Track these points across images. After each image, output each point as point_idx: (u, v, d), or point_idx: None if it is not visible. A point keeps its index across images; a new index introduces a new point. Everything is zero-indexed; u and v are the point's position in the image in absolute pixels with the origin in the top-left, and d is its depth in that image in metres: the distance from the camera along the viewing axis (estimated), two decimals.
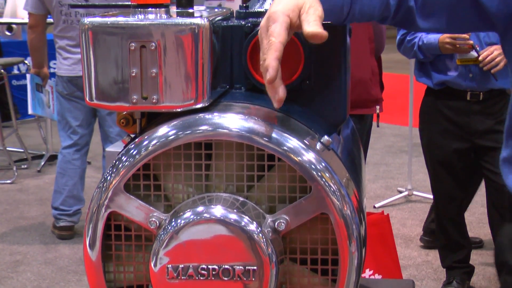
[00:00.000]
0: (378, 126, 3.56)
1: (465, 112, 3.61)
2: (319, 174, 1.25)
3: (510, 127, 1.65)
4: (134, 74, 1.30)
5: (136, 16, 1.32)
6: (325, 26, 1.40)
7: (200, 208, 1.27)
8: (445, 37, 3.45)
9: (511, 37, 1.56)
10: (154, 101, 1.31)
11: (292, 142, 1.26)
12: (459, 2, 1.51)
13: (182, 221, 1.26)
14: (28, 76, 5.84)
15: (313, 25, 1.25)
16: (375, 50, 3.35)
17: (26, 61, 6.89)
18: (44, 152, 6.60)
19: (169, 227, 1.27)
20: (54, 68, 5.03)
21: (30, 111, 5.86)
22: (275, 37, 1.23)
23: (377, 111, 3.34)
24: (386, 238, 3.29)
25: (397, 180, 5.91)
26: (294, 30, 1.28)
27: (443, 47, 3.49)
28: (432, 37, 3.50)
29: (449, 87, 3.62)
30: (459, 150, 3.67)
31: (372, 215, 3.30)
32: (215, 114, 1.31)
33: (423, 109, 3.79)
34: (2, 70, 6.43)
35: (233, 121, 1.28)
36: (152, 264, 1.28)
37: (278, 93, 1.25)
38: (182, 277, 1.28)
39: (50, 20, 4.76)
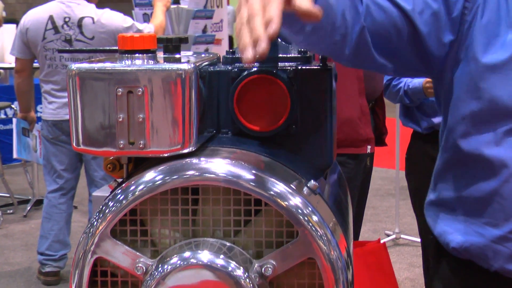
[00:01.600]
0: (371, 166, 3.56)
1: None
2: (306, 218, 1.25)
3: (440, 170, 1.66)
4: (121, 119, 1.31)
5: (123, 62, 1.33)
6: (311, 71, 1.41)
7: (187, 254, 1.27)
8: (427, 80, 3.39)
9: (444, 79, 1.58)
10: (141, 146, 1.32)
11: (279, 187, 1.27)
12: (399, 40, 1.52)
13: (169, 267, 1.26)
14: (14, 120, 5.84)
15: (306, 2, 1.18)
16: (369, 91, 3.36)
17: (13, 106, 6.89)
18: (30, 197, 6.56)
19: (156, 273, 1.26)
20: (41, 113, 5.04)
21: (14, 155, 5.84)
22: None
23: (368, 150, 3.34)
24: (385, 266, 3.27)
25: (384, 224, 5.91)
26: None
27: (427, 91, 3.44)
28: (417, 82, 3.49)
29: (438, 131, 3.59)
30: None
31: (369, 244, 3.29)
32: (202, 159, 1.31)
33: (410, 153, 3.75)
34: None
35: (220, 166, 1.29)
36: None
37: (261, 45, 1.12)
38: None
39: (37, 65, 4.78)
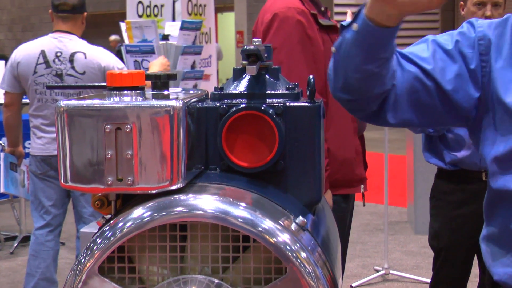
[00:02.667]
0: (364, 205, 3.55)
1: (481, 194, 3.23)
2: (294, 255, 1.25)
3: (485, 205, 1.69)
4: (109, 156, 1.31)
5: (111, 99, 1.33)
6: (299, 107, 1.42)
7: None
8: None
9: (480, 125, 1.64)
10: (129, 183, 1.31)
11: (267, 223, 1.27)
12: (427, 95, 1.59)
13: None
14: (1, 154, 5.82)
15: None
16: (358, 129, 3.38)
17: (0, 142, 6.87)
18: (17, 234, 6.51)
19: None
20: (29, 148, 5.03)
21: (1, 189, 5.81)
22: None
23: (362, 190, 3.34)
24: None
25: (373, 259, 5.90)
26: None
27: None
28: None
29: (463, 169, 3.36)
30: (471, 236, 3.30)
31: None
32: (190, 195, 1.31)
33: (433, 194, 3.53)
34: None
35: (208, 203, 1.28)
36: None
37: None
38: None
39: (26, 100, 4.78)
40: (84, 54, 4.47)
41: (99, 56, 4.49)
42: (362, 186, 3.24)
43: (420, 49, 1.65)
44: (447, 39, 1.65)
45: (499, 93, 1.61)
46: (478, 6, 3.53)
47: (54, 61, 4.48)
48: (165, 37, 5.04)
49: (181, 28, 4.87)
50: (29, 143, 5.58)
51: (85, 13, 4.59)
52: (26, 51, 4.56)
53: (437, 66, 1.62)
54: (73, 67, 4.46)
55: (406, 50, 1.63)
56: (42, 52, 4.50)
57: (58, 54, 4.50)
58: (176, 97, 1.37)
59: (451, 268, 3.54)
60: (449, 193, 3.47)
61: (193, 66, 4.97)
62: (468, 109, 1.65)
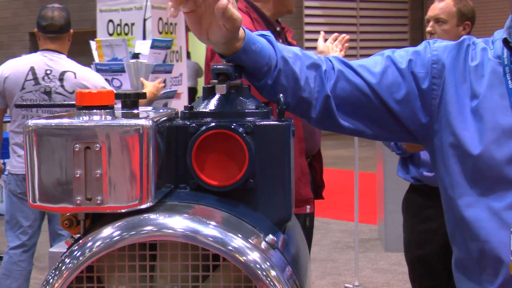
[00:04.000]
0: (308, 226, 3.53)
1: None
2: (264, 273, 1.25)
3: (449, 229, 1.70)
4: (78, 175, 1.30)
5: (80, 118, 1.33)
6: (268, 126, 1.43)
7: None
8: None
9: (430, 145, 1.67)
10: (98, 202, 1.31)
11: (237, 242, 1.27)
12: (373, 108, 1.63)
13: None
14: None
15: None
16: (309, 148, 3.38)
17: None
18: None
19: None
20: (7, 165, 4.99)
21: None
22: None
23: (307, 210, 3.33)
24: None
25: (344, 277, 5.91)
26: None
27: (407, 145, 3.31)
28: None
29: (428, 185, 3.44)
30: (439, 250, 3.43)
31: None
32: (160, 214, 1.31)
33: (405, 206, 3.62)
34: None
35: (178, 222, 1.28)
36: None
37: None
38: None
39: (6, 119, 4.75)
40: (74, 73, 4.49)
41: (88, 76, 4.53)
42: (308, 207, 3.23)
43: (373, 63, 1.68)
44: (402, 55, 1.67)
45: (449, 117, 1.64)
46: (428, 22, 3.60)
47: (43, 78, 4.49)
48: (136, 56, 5.04)
49: (152, 47, 4.88)
50: (3, 162, 5.53)
51: (71, 30, 4.63)
52: (15, 67, 4.56)
53: (385, 82, 1.65)
54: (62, 86, 4.46)
55: (358, 62, 1.68)
56: (32, 69, 4.51)
57: (48, 71, 4.51)
58: (145, 116, 1.37)
59: (425, 280, 3.58)
60: (417, 207, 3.54)
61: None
62: (415, 130, 1.68)
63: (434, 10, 3.56)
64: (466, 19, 3.55)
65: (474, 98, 1.60)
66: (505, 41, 1.59)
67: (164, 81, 4.95)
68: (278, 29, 3.19)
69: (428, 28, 3.57)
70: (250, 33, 1.52)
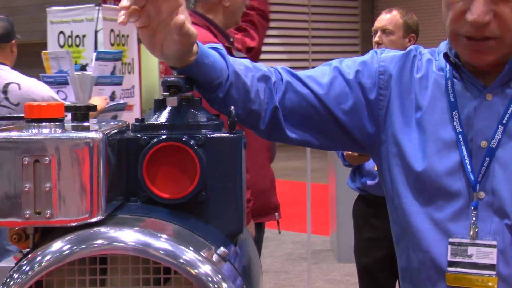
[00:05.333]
0: (279, 232, 3.59)
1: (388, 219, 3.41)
2: (216, 286, 1.25)
3: (394, 238, 1.72)
4: (27, 189, 1.29)
5: (29, 131, 1.31)
6: (220, 138, 1.43)
7: None
8: None
9: (376, 154, 1.69)
10: (47, 216, 1.29)
11: (188, 255, 1.26)
12: (321, 118, 1.66)
13: None
14: None
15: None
16: (271, 158, 3.42)
17: None
18: None
19: None
20: None
21: None
22: None
23: (277, 217, 3.39)
24: None
25: None
26: None
27: (348, 157, 3.39)
28: None
29: (372, 194, 3.55)
30: (382, 259, 3.56)
31: None
32: (111, 228, 1.30)
33: (353, 214, 3.72)
34: None
35: (128, 235, 1.27)
36: None
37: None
38: None
39: None
40: (19, 85, 4.40)
41: (34, 87, 4.43)
42: (276, 214, 3.29)
43: (320, 73, 1.70)
44: (350, 66, 1.69)
45: (394, 127, 1.66)
46: (375, 33, 3.68)
47: None
48: (83, 68, 5.00)
49: (97, 59, 4.83)
50: None
51: (14, 41, 4.54)
52: None
53: (332, 92, 1.67)
54: (6, 98, 4.38)
55: (305, 73, 1.70)
56: None
57: None
58: (96, 128, 1.36)
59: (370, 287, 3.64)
60: (363, 216, 3.65)
61: (112, 97, 4.93)
62: (362, 140, 1.70)
63: (381, 21, 3.64)
64: (411, 32, 3.64)
65: (418, 110, 1.63)
66: (446, 55, 1.62)
67: (113, 93, 4.92)
68: (232, 39, 3.21)
69: (376, 39, 3.64)
70: (203, 47, 1.53)
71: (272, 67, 1.68)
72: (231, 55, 3.05)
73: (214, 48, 1.58)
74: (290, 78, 1.66)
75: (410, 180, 1.61)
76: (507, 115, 1.56)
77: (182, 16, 1.38)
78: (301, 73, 1.68)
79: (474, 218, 1.56)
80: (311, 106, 1.65)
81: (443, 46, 1.67)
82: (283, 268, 6.52)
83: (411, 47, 1.71)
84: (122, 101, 5.04)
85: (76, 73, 4.82)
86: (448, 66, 1.63)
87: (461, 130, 1.58)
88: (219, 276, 1.26)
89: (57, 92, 4.81)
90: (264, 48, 3.72)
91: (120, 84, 5.04)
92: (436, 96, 1.62)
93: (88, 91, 4.77)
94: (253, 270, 1.56)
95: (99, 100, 4.60)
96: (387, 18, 3.63)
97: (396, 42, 3.56)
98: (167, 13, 1.41)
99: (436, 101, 1.62)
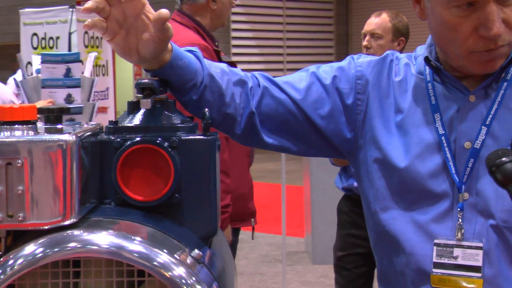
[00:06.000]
0: (253, 238, 3.59)
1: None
2: None
3: (373, 242, 1.72)
4: None
5: (2, 133, 1.30)
6: (194, 140, 1.43)
7: None
8: None
9: (354, 160, 1.69)
10: (20, 219, 1.28)
11: (162, 257, 1.26)
12: (298, 124, 1.66)
13: None
14: None
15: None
16: (250, 163, 3.42)
17: None
18: None
19: None
20: None
21: None
22: None
23: (253, 223, 3.39)
24: None
25: None
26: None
27: (333, 159, 3.39)
28: None
29: (357, 194, 3.53)
30: (361, 255, 3.58)
31: None
32: (84, 230, 1.29)
33: (338, 210, 3.73)
34: None
35: (102, 238, 1.27)
36: None
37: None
38: None
39: None
40: None
41: None
42: (252, 220, 3.29)
43: (298, 79, 1.70)
44: (327, 71, 1.70)
45: (375, 132, 1.66)
46: (364, 37, 3.68)
47: None
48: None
49: (42, 61, 4.74)
50: None
51: None
52: None
53: (310, 98, 1.67)
54: None
55: (283, 78, 1.71)
56: None
57: None
58: (69, 131, 1.36)
59: (345, 284, 3.67)
60: (346, 212, 3.65)
61: (69, 100, 4.82)
62: (339, 145, 1.70)
63: (370, 25, 3.64)
64: (400, 35, 3.64)
65: (399, 113, 1.63)
66: (426, 59, 1.63)
67: (70, 96, 4.82)
68: (217, 43, 3.22)
69: (364, 43, 3.64)
70: (178, 49, 1.53)
71: (249, 73, 1.68)
72: (219, 59, 3.06)
73: (190, 51, 1.58)
74: (267, 83, 1.66)
75: (392, 184, 1.62)
76: (490, 116, 1.57)
77: (165, 9, 1.38)
78: (278, 79, 1.69)
79: (460, 220, 1.57)
80: (288, 112, 1.65)
81: (420, 50, 1.67)
82: (257, 270, 6.53)
83: (387, 52, 1.71)
84: (78, 105, 4.95)
85: (30, 76, 4.77)
86: (427, 69, 1.63)
87: (443, 132, 1.58)
88: (193, 279, 1.26)
89: (18, 95, 4.77)
90: (239, 51, 3.73)
91: (78, 86, 4.94)
92: (417, 99, 1.62)
93: (38, 94, 4.70)
94: (227, 272, 1.56)
95: (42, 103, 4.56)
96: (376, 22, 3.63)
97: (384, 46, 3.56)
98: (133, 16, 1.41)
99: (417, 103, 1.62)
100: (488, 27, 1.49)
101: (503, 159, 1.39)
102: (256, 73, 1.70)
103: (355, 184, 3.53)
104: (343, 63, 1.70)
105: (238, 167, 3.16)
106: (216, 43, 3.21)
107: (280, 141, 1.67)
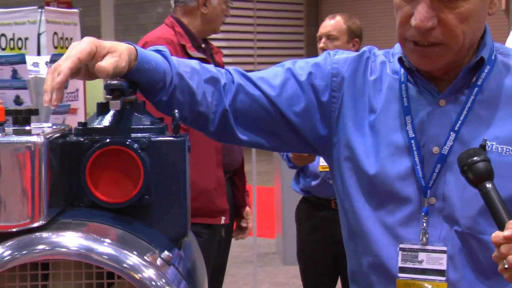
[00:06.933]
0: (223, 236, 3.56)
1: (330, 221, 3.40)
2: None
3: (345, 239, 1.73)
4: None
5: None
6: (164, 142, 1.43)
7: None
8: None
9: (328, 157, 1.69)
10: None
11: (132, 259, 1.25)
12: (272, 120, 1.65)
13: None
14: None
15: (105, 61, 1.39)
16: (227, 162, 3.38)
17: None
18: None
19: None
20: None
21: None
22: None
23: (222, 221, 3.36)
24: None
25: None
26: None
27: (295, 158, 3.36)
28: None
29: (315, 196, 3.56)
30: (325, 261, 3.55)
31: None
32: (53, 232, 1.28)
33: (296, 218, 3.72)
34: None
35: (71, 240, 1.26)
36: None
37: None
38: None
39: None
40: None
41: None
42: (223, 218, 3.27)
43: (273, 75, 1.69)
44: (303, 67, 1.68)
45: (347, 130, 1.66)
46: (320, 39, 3.71)
47: None
48: None
49: None
50: None
51: None
52: None
53: (284, 94, 1.66)
54: None
55: (258, 74, 1.69)
56: None
57: None
58: (37, 132, 1.34)
59: None
60: (305, 218, 3.65)
61: (18, 101, 4.76)
62: (314, 142, 1.69)
63: (325, 27, 3.67)
64: (355, 36, 3.69)
65: (372, 113, 1.62)
66: (400, 60, 1.62)
67: (18, 98, 4.76)
68: (203, 45, 3.23)
69: (321, 45, 3.66)
70: (144, 52, 1.51)
71: (222, 69, 1.67)
72: (186, 53, 3.07)
73: (158, 51, 1.57)
74: (242, 79, 1.64)
75: (362, 183, 1.62)
76: (459, 122, 1.57)
77: (108, 67, 1.39)
78: (253, 74, 1.67)
79: (424, 224, 1.57)
80: (262, 108, 1.65)
81: (398, 48, 1.66)
82: (228, 271, 6.50)
83: (365, 48, 1.69)
84: (26, 106, 4.89)
85: None
86: (402, 70, 1.63)
87: (413, 135, 1.58)
88: (163, 280, 1.26)
89: None
90: None
91: (24, 88, 4.87)
92: (390, 100, 1.62)
93: None
94: (197, 274, 1.55)
95: None
96: (331, 24, 3.66)
97: (340, 48, 3.60)
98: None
99: (390, 104, 1.62)
100: (415, 16, 1.50)
101: (475, 158, 1.40)
102: (230, 68, 1.68)
103: (313, 182, 3.53)
104: (319, 59, 1.69)
105: (204, 162, 3.14)
106: (203, 46, 3.24)
107: (254, 137, 1.67)
